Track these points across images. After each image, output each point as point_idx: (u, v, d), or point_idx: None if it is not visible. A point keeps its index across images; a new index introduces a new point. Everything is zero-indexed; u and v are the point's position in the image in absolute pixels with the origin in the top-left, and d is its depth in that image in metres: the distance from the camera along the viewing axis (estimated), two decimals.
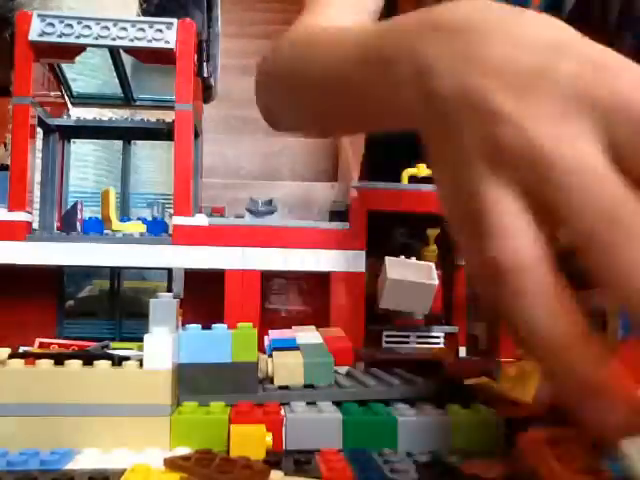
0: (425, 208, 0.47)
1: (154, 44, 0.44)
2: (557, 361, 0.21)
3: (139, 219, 0.50)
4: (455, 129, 0.23)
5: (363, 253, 0.46)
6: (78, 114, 0.55)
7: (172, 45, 0.44)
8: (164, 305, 0.32)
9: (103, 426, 0.28)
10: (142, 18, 0.46)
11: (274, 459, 0.27)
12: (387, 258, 0.46)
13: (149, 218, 0.51)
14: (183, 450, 0.28)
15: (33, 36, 0.43)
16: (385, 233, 0.49)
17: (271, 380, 0.34)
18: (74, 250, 0.43)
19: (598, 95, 0.20)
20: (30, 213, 0.44)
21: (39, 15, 0.44)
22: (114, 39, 0.44)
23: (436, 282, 0.45)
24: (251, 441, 0.27)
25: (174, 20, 0.45)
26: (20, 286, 0.45)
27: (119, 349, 0.37)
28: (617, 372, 0.21)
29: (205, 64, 0.51)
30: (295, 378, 0.33)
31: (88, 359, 0.29)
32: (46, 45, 0.44)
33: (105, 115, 0.64)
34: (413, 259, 0.47)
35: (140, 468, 0.24)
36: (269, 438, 0.28)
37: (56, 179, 0.51)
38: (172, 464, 0.23)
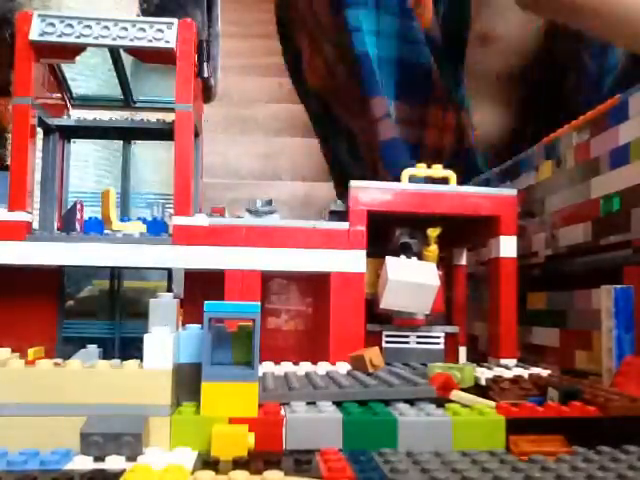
0: (425, 208, 0.47)
1: (154, 44, 0.44)
2: None
3: (139, 219, 0.50)
4: None
5: (363, 253, 0.46)
6: (78, 114, 0.55)
7: (172, 45, 0.44)
8: (164, 305, 0.32)
9: None
10: (142, 18, 0.46)
11: (274, 459, 0.27)
12: (388, 258, 0.46)
13: (149, 218, 0.51)
14: (183, 450, 0.28)
15: (33, 36, 0.43)
16: (385, 233, 0.49)
17: None
18: (74, 250, 0.43)
19: None
20: (30, 213, 0.44)
21: (39, 15, 0.44)
22: (114, 39, 0.44)
23: (437, 283, 0.45)
24: (233, 441, 0.27)
25: (174, 20, 0.45)
26: (20, 286, 0.45)
27: None
28: None
29: (205, 64, 0.51)
30: None
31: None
32: (46, 45, 0.44)
33: (105, 115, 0.64)
34: (414, 259, 0.47)
35: (140, 468, 0.24)
36: (251, 438, 0.28)
37: (56, 179, 0.51)
38: None
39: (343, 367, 0.40)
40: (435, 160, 0.53)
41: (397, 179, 0.50)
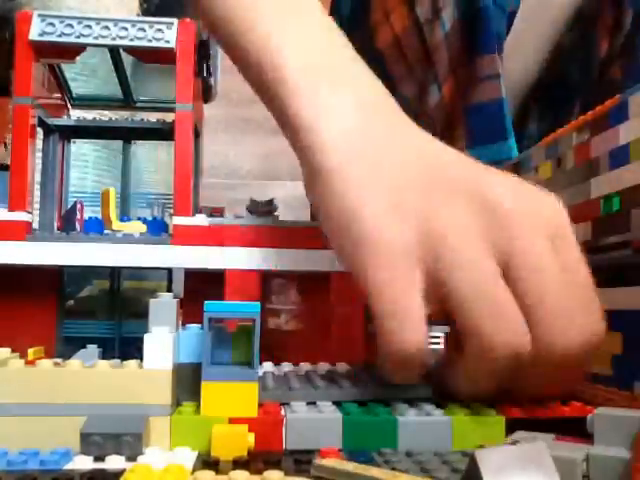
0: None
1: (154, 44, 0.44)
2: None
3: (139, 219, 0.50)
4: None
5: None
6: (78, 114, 0.55)
7: (172, 45, 0.44)
8: (164, 305, 0.32)
9: None
10: (142, 18, 0.46)
11: (274, 459, 0.27)
12: None
13: (149, 218, 0.51)
14: (183, 450, 0.28)
15: (33, 36, 0.43)
16: None
17: None
18: (74, 250, 0.43)
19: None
20: (30, 213, 0.44)
21: (39, 15, 0.44)
22: (114, 39, 0.44)
23: None
24: (232, 441, 0.27)
25: (174, 20, 0.45)
26: (20, 286, 0.45)
27: None
28: None
29: (205, 64, 0.51)
30: None
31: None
32: (46, 45, 0.44)
33: (105, 115, 0.64)
34: None
35: (140, 468, 0.24)
36: (251, 438, 0.28)
37: (56, 179, 0.51)
38: None
39: (343, 367, 0.40)
40: None
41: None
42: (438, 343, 0.49)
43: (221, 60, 0.57)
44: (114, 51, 0.48)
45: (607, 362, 0.43)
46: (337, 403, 0.32)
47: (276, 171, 1.88)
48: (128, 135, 0.54)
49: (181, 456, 0.27)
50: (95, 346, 0.39)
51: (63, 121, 0.52)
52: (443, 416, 0.30)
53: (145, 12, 0.85)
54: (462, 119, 0.68)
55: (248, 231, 0.45)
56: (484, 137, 0.66)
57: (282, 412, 0.30)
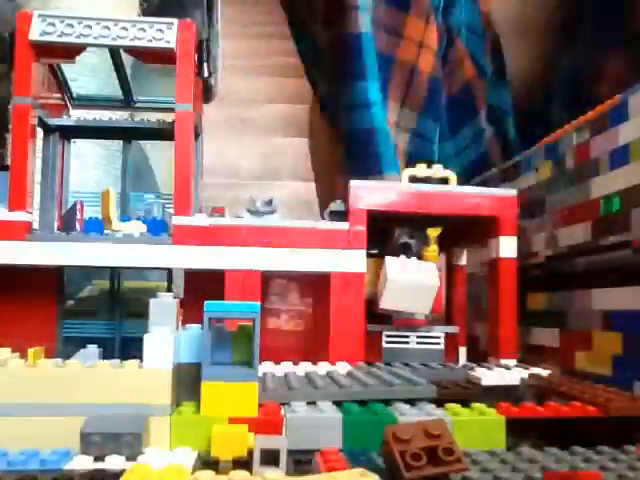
0: (425, 208, 0.47)
1: (154, 44, 0.44)
2: None
3: (139, 219, 0.50)
4: None
5: (363, 253, 0.46)
6: (78, 114, 0.55)
7: (172, 45, 0.44)
8: (164, 305, 0.32)
9: None
10: (142, 18, 0.46)
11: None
12: (387, 258, 0.46)
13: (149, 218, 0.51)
14: (183, 450, 0.28)
15: (33, 36, 0.43)
16: (385, 233, 0.49)
17: None
18: (74, 250, 0.43)
19: None
20: (30, 213, 0.44)
21: (39, 15, 0.44)
22: (114, 39, 0.44)
23: (437, 283, 0.45)
24: (232, 441, 0.27)
25: (174, 20, 0.45)
26: (20, 286, 0.45)
27: None
28: None
29: (205, 64, 0.51)
30: None
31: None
32: (46, 45, 0.44)
33: (105, 115, 0.64)
34: (413, 259, 0.47)
35: (140, 468, 0.24)
36: (251, 438, 0.28)
37: (56, 179, 0.51)
38: None
39: (343, 367, 0.40)
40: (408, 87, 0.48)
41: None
42: (439, 343, 0.49)
43: (221, 60, 0.57)
44: (114, 51, 0.48)
45: (607, 362, 0.43)
46: (337, 403, 0.32)
47: (276, 171, 1.88)
48: (128, 135, 0.54)
49: (181, 456, 0.27)
50: (95, 346, 0.39)
51: (63, 121, 0.52)
52: (443, 416, 0.30)
53: (145, 12, 0.85)
54: None
55: (248, 231, 0.45)
56: None
57: (282, 412, 0.30)
